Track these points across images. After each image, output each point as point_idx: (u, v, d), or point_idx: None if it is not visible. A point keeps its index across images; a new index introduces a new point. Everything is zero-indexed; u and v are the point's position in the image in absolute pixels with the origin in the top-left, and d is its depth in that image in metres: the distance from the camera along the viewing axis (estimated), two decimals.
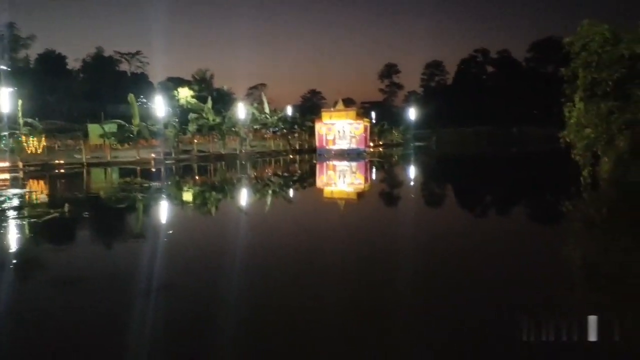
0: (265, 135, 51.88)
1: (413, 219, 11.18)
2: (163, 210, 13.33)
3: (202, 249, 8.27)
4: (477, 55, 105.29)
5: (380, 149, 53.92)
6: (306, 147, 49.99)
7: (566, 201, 13.60)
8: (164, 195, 16.25)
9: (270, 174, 25.83)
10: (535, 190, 17.10)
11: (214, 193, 17.36)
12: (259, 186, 19.18)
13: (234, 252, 7.79)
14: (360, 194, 16.42)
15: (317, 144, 41.76)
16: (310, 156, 40.85)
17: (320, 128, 41.05)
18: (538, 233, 9.86)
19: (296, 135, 52.65)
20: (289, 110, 55.25)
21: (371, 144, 50.62)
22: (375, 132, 61.26)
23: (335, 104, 42.76)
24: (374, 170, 27.15)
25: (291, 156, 42.21)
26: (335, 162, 31.36)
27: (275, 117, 49.37)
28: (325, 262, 7.14)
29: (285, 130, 49.85)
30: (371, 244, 8.38)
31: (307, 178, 23.81)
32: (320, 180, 21.77)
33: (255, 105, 56.66)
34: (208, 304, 5.39)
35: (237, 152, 41.65)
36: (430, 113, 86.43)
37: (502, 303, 5.20)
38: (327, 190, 17.97)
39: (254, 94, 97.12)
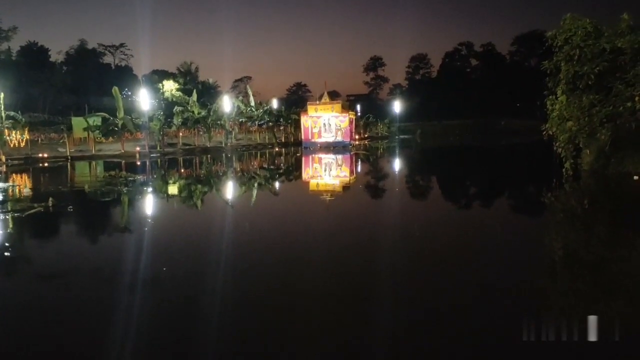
0: (251, 129, 51.69)
1: (395, 208, 11.35)
2: (148, 204, 13.28)
3: (187, 241, 8.28)
4: (462, 49, 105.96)
5: (366, 142, 54.05)
6: (292, 140, 49.90)
7: (548, 192, 13.80)
8: (149, 189, 16.18)
9: (256, 167, 25.80)
10: (517, 182, 17.33)
11: (199, 186, 17.31)
12: (245, 179, 19.16)
13: (219, 243, 7.86)
14: (345, 187, 16.49)
15: (302, 137, 41.69)
16: (296, 149, 40.82)
17: (306, 121, 40.97)
18: (518, 222, 10.04)
19: (282, 128, 52.57)
20: (275, 103, 55.09)
21: (357, 137, 50.70)
22: (361, 125, 61.38)
23: (321, 96, 42.60)
24: (359, 163, 27.23)
25: (277, 149, 42.15)
26: (321, 155, 31.38)
27: (261, 110, 49.20)
28: (307, 250, 7.22)
29: (271, 124, 49.71)
30: (354, 233, 8.46)
31: (293, 171, 23.84)
32: (306, 173, 21.80)
33: (241, 98, 56.49)
34: (191, 297, 5.42)
35: (223, 145, 41.49)
36: (415, 106, 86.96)
37: (477, 285, 5.34)
38: (313, 183, 18.02)
39: (239, 86, 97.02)
